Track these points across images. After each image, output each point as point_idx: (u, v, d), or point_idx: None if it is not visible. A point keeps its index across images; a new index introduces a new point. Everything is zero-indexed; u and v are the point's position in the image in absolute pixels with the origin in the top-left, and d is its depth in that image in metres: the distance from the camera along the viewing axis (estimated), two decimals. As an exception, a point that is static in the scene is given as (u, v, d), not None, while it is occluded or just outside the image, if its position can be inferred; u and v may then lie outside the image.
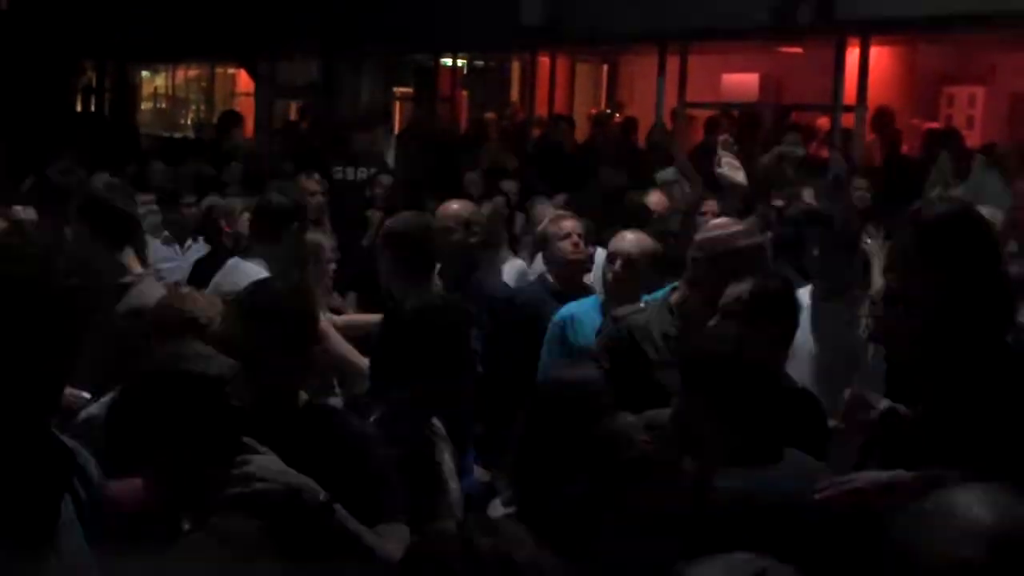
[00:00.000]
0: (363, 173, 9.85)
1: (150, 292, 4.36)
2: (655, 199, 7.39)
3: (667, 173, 8.95)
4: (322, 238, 5.79)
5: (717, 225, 4.50)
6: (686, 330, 4.07)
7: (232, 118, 12.77)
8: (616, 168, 9.78)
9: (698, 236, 4.41)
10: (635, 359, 4.19)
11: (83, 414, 3.51)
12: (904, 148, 11.30)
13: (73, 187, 5.68)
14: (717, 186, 6.53)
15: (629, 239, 5.03)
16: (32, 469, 2.20)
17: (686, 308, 4.21)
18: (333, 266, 5.60)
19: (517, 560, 1.90)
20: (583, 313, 5.04)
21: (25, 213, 5.98)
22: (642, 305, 4.48)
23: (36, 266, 2.16)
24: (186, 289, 4.82)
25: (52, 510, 2.23)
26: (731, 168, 6.10)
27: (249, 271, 4.76)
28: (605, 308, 4.89)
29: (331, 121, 14.84)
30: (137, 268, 4.74)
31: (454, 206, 5.56)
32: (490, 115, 15.77)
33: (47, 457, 2.24)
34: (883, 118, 11.26)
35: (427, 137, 13.18)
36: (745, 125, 11.76)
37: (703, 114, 13.09)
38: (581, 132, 14.03)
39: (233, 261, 5.27)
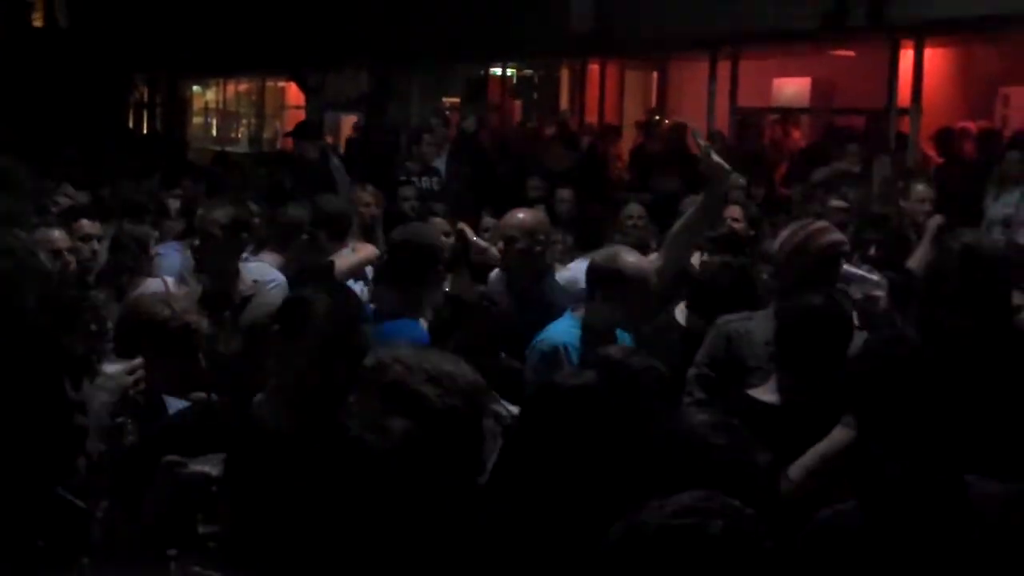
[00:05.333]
0: (429, 182, 9.88)
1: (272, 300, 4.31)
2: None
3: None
4: None
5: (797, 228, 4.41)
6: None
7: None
8: (667, 175, 9.74)
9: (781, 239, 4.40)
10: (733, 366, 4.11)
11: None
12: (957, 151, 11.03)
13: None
14: None
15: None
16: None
17: None
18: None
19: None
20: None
21: (91, 227, 6.07)
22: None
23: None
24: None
25: None
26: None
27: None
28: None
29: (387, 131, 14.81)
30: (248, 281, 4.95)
31: (519, 215, 5.31)
32: (535, 125, 15.78)
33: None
34: (946, 139, 10.92)
35: (481, 146, 13.16)
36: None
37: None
38: (631, 139, 14.03)
39: None
